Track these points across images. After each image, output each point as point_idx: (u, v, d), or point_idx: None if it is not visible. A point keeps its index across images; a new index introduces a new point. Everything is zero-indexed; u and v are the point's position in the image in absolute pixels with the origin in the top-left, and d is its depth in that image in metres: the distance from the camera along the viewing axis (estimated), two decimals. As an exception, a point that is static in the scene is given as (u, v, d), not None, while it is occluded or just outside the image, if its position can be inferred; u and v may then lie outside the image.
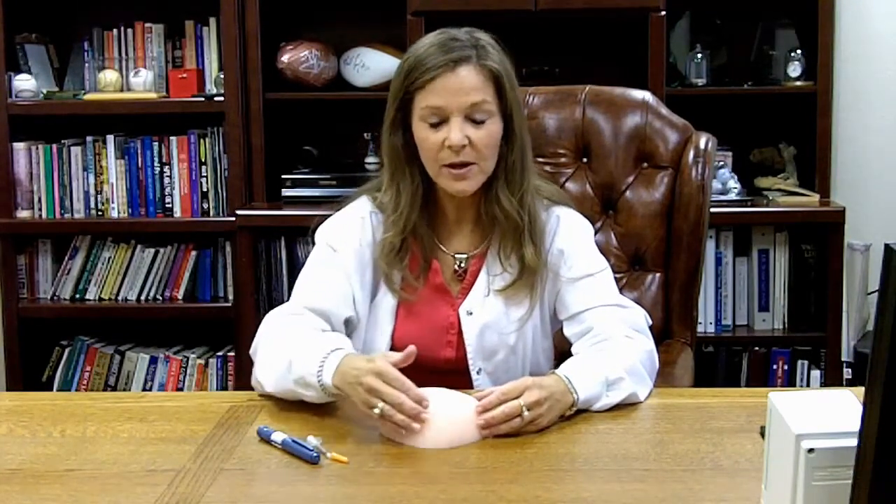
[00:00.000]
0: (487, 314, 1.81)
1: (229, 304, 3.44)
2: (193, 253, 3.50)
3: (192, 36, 3.50)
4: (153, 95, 3.45)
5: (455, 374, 1.77)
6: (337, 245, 1.81)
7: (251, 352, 1.78)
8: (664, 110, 2.23)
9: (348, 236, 1.82)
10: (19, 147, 3.45)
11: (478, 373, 1.82)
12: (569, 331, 1.82)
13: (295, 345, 1.68)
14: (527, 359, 1.84)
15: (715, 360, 3.38)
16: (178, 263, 3.50)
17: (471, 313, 1.81)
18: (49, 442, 1.54)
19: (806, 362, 3.35)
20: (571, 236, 1.84)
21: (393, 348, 1.80)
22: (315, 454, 1.43)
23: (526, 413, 1.52)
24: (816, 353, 3.34)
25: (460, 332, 1.82)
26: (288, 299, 1.84)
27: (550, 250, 1.83)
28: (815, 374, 3.33)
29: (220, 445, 1.51)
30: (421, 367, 1.73)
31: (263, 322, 1.79)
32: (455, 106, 1.72)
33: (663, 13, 3.19)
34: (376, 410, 1.51)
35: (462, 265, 1.84)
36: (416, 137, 1.76)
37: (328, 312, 1.77)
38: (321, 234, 1.85)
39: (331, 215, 1.87)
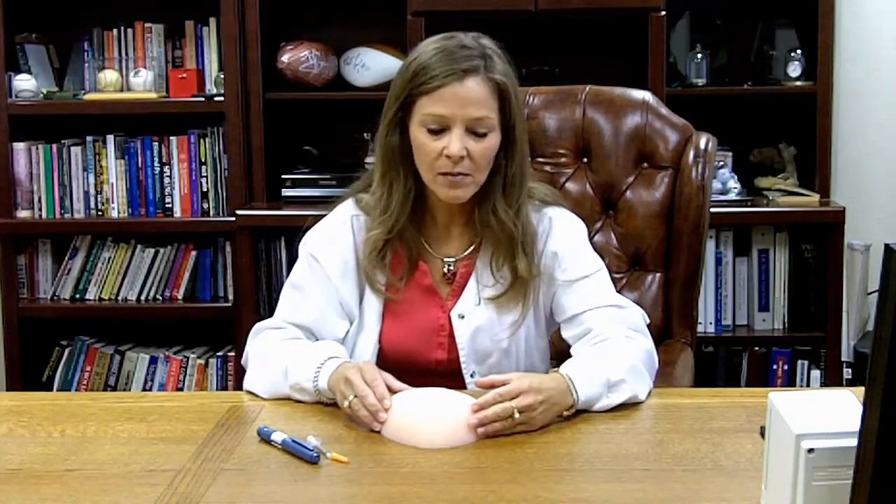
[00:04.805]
0: (479, 319, 1.80)
1: (229, 304, 3.45)
2: (193, 253, 3.49)
3: (192, 36, 3.50)
4: (153, 95, 3.45)
5: (448, 377, 1.76)
6: (319, 255, 1.81)
7: (243, 362, 1.82)
8: (664, 110, 2.23)
9: (331, 244, 1.81)
10: (19, 147, 3.45)
11: (471, 376, 1.81)
12: (567, 332, 1.81)
13: (291, 352, 1.71)
14: (521, 360, 1.83)
15: (715, 360, 3.38)
16: (178, 263, 3.50)
17: (462, 317, 1.80)
18: (49, 442, 1.54)
19: (806, 362, 3.35)
20: (565, 238, 1.83)
21: (381, 349, 1.81)
22: (315, 454, 1.43)
23: (517, 415, 1.52)
24: (816, 353, 3.34)
25: (451, 335, 1.80)
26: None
27: (544, 252, 1.81)
28: (815, 374, 3.33)
29: (220, 445, 1.51)
30: (412, 368, 1.74)
31: (252, 333, 1.81)
32: (459, 117, 1.70)
33: (663, 13, 3.19)
34: (346, 403, 1.56)
35: (451, 268, 1.83)
36: (414, 141, 1.74)
37: (310, 328, 1.78)
38: (304, 244, 1.84)
39: (323, 216, 1.87)
